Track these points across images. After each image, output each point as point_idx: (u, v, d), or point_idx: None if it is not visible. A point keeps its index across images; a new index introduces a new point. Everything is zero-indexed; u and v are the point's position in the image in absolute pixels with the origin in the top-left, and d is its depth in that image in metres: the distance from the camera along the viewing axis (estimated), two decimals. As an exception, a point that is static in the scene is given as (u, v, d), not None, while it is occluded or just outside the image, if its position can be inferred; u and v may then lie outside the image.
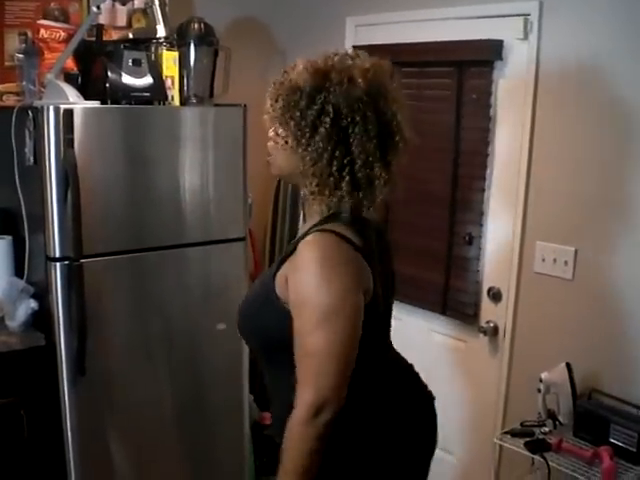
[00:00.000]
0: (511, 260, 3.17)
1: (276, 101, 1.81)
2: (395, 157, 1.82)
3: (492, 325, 3.30)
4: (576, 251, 2.93)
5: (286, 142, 1.81)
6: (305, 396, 1.67)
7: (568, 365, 2.87)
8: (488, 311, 3.33)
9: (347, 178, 1.74)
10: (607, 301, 2.87)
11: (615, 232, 2.81)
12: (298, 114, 1.75)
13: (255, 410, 3.84)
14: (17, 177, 2.93)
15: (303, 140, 1.76)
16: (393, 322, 2.10)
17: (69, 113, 2.71)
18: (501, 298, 3.26)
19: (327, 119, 1.72)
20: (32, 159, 2.82)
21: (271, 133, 1.86)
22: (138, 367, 3.13)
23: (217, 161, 3.21)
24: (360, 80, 1.75)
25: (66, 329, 2.87)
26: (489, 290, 3.31)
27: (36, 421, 3.01)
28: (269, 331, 1.84)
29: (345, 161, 1.74)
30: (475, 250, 3.32)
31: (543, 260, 3.05)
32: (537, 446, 2.76)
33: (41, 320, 2.97)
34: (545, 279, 3.05)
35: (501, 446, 3.01)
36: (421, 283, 3.51)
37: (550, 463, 2.69)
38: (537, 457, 2.75)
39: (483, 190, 3.25)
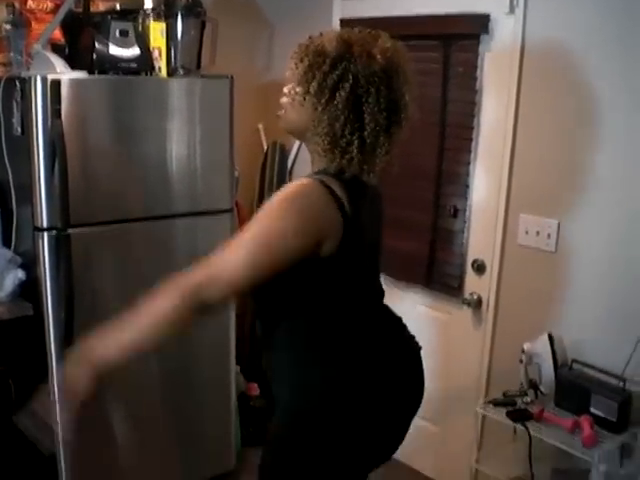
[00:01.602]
0: (495, 233, 3.21)
1: (301, 61, 1.91)
2: (397, 131, 1.95)
3: (476, 297, 3.34)
4: (559, 224, 2.96)
5: (304, 99, 1.90)
6: (199, 270, 1.80)
7: (550, 336, 2.91)
8: (472, 283, 3.37)
9: (356, 142, 1.87)
10: (589, 273, 2.90)
11: (598, 205, 2.84)
12: (320, 76, 1.86)
13: (242, 381, 3.88)
14: (5, 148, 2.95)
15: (323, 100, 1.86)
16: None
17: (57, 83, 2.71)
18: (485, 270, 3.30)
19: (347, 85, 1.84)
20: (20, 129, 2.83)
21: (286, 89, 1.97)
22: (125, 337, 3.15)
23: (203, 133, 3.21)
24: (379, 57, 1.87)
25: (54, 299, 2.89)
26: (473, 262, 3.34)
27: (24, 390, 3.04)
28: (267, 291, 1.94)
29: (356, 125, 1.86)
30: (460, 223, 3.35)
31: (526, 233, 3.09)
32: (519, 415, 2.81)
33: (29, 290, 2.99)
34: (528, 251, 3.09)
35: (484, 416, 3.06)
36: (406, 256, 3.54)
37: (531, 432, 2.74)
38: (519, 426, 2.79)
39: (468, 163, 3.27)
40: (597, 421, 2.70)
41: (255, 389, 3.94)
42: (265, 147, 4.19)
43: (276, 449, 2.01)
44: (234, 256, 1.81)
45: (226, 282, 1.80)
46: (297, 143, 3.98)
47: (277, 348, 2.03)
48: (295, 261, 1.80)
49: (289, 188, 1.84)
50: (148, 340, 1.83)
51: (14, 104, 2.83)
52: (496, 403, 2.93)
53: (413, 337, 2.22)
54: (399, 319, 2.22)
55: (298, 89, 1.92)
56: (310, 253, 1.81)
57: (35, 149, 2.76)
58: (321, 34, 1.96)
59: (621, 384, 2.73)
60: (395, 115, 1.92)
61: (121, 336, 1.83)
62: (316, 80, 1.86)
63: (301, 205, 1.81)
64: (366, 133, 1.87)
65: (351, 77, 1.84)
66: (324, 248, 1.83)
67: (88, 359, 1.81)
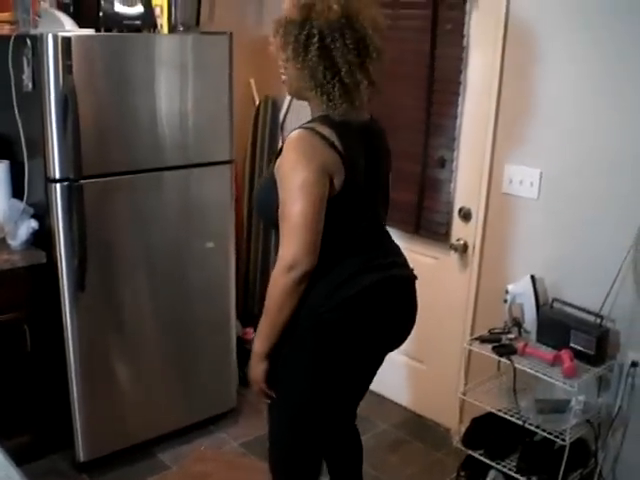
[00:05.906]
0: (481, 182, 3.35)
1: (277, 34, 2.20)
2: (372, 64, 2.18)
3: (462, 242, 3.50)
4: (541, 173, 3.11)
5: (287, 64, 2.20)
6: (282, 254, 2.12)
7: (532, 277, 3.09)
8: (459, 229, 3.52)
9: (337, 85, 2.13)
10: (568, 218, 3.05)
11: (577, 155, 2.98)
12: (292, 39, 2.14)
13: (237, 326, 4.04)
14: (15, 103, 3.04)
15: (299, 59, 2.14)
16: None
17: (67, 41, 2.81)
18: (471, 217, 3.45)
19: (314, 40, 2.11)
20: (31, 85, 2.92)
21: (280, 62, 2.23)
22: (133, 283, 3.29)
23: (204, 87, 3.31)
24: (336, 7, 2.11)
25: (67, 247, 3.02)
26: (460, 210, 3.49)
27: (39, 336, 3.18)
28: (273, 209, 2.17)
29: (334, 70, 2.13)
30: (447, 172, 3.49)
31: (510, 182, 3.23)
32: (504, 350, 2.98)
33: (42, 240, 3.10)
34: (512, 199, 3.24)
35: (470, 351, 3.24)
36: (396, 204, 3.53)
37: (516, 365, 2.91)
38: (504, 360, 2.96)
39: (455, 117, 3.40)
40: (576, 355, 2.87)
41: (250, 333, 4.10)
42: (257, 101, 4.29)
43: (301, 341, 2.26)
44: (294, 224, 2.08)
45: (306, 245, 2.08)
46: (288, 98, 4.07)
47: None
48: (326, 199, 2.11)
49: (288, 144, 2.12)
50: (281, 324, 2.18)
51: (24, 61, 2.92)
52: (482, 340, 3.10)
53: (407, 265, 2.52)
54: (397, 246, 2.53)
55: (283, 57, 2.20)
56: (330, 190, 2.12)
57: (47, 104, 2.87)
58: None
59: (598, 321, 2.91)
60: (365, 50, 2.15)
61: (262, 333, 2.23)
62: (290, 46, 2.14)
63: (305, 152, 2.10)
64: (343, 74, 2.12)
65: (316, 32, 2.10)
66: (335, 182, 2.13)
67: (254, 360, 2.27)
